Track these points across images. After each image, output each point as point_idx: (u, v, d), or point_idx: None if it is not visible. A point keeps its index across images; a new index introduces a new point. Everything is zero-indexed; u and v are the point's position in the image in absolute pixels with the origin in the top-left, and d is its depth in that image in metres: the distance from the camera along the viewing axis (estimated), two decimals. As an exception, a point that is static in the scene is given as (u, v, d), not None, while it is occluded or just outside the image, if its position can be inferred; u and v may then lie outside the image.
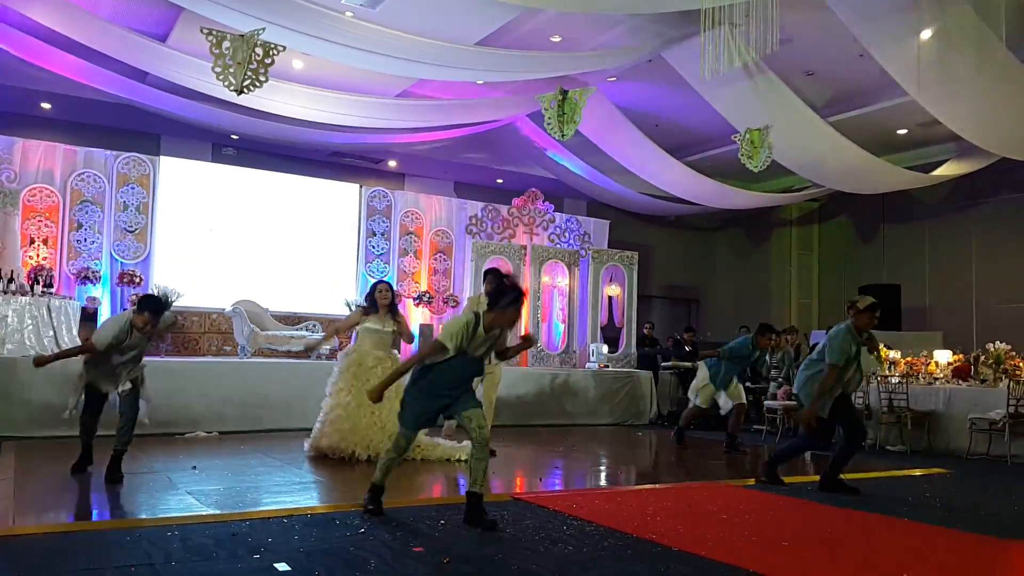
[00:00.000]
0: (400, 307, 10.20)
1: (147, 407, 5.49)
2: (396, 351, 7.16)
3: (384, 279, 8.70)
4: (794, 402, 9.97)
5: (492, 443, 7.40)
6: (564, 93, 9.54)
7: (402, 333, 6.86)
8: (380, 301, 6.73)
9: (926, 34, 7.82)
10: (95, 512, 4.81)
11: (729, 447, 8.17)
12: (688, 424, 8.81)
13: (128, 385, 5.27)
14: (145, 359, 5.50)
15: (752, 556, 3.75)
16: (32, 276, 9.26)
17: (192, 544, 3.69)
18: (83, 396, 5.36)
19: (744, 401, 8.45)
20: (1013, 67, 8.15)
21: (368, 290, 7.03)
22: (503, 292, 4.26)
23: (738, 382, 8.39)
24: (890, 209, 13.96)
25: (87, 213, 10.33)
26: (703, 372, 8.38)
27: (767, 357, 8.68)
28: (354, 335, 7.07)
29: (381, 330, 6.72)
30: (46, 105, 10.78)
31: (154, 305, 5.18)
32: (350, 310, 9.95)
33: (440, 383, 4.29)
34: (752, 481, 6.19)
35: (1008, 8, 7.67)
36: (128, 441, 5.29)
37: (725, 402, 8.30)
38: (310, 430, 6.91)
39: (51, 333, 8.52)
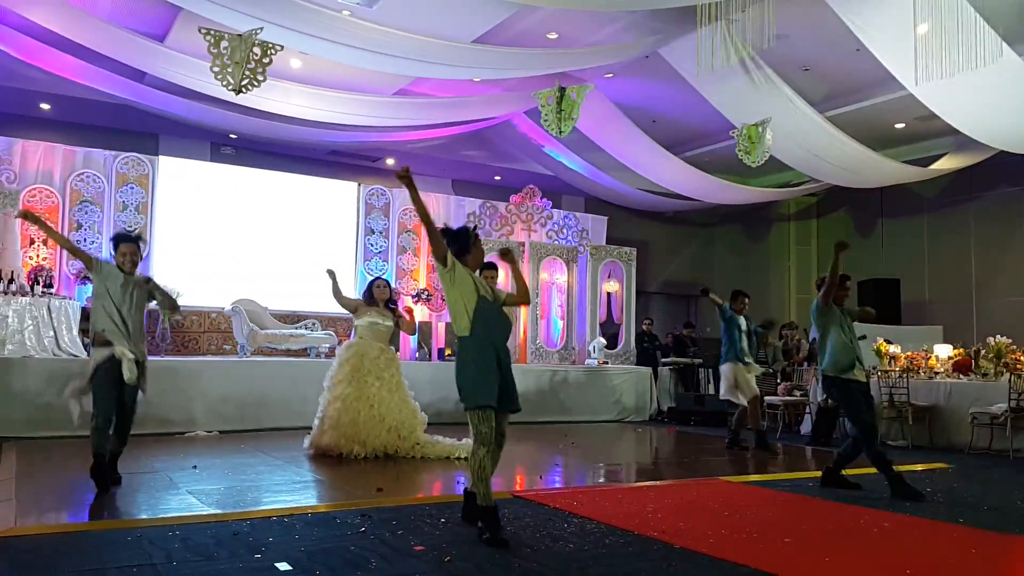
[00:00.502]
0: (399, 304, 10.27)
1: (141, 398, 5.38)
2: (395, 347, 7.21)
3: (381, 276, 8.75)
4: (795, 398, 10.03)
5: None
6: (562, 90, 9.54)
7: (403, 326, 7.03)
8: (379, 296, 6.95)
9: (923, 28, 7.81)
10: (96, 512, 4.81)
11: (731, 443, 8.16)
12: (742, 426, 8.32)
13: (133, 372, 4.96)
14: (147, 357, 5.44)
15: (754, 553, 3.76)
16: (32, 277, 9.27)
17: (193, 544, 3.69)
18: (90, 388, 4.98)
19: (758, 393, 8.32)
20: (1010, 61, 8.15)
21: (366, 286, 7.14)
22: (458, 237, 4.19)
23: (752, 375, 8.26)
24: (888, 203, 13.96)
25: (87, 213, 10.33)
26: (725, 369, 8.24)
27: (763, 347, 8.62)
28: (352, 331, 7.12)
29: (381, 324, 6.92)
30: (45, 106, 10.78)
31: (119, 234, 5.34)
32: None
33: (484, 341, 4.04)
34: (754, 477, 6.19)
35: (1004, 2, 7.67)
36: (126, 442, 5.21)
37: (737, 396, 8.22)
38: (310, 428, 6.93)
39: (51, 333, 8.53)
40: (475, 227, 4.34)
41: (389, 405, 6.70)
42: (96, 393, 4.94)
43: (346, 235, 12.33)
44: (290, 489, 5.42)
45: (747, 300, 8.43)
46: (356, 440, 6.58)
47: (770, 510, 4.89)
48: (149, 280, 5.30)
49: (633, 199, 14.22)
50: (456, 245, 4.17)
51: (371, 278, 7.52)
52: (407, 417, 6.78)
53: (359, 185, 12.54)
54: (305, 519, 4.28)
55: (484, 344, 4.05)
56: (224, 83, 7.58)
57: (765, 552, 3.79)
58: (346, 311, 7.25)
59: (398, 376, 6.90)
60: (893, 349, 9.51)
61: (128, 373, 4.91)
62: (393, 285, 11.65)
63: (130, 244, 5.19)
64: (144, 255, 5.45)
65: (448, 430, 7.36)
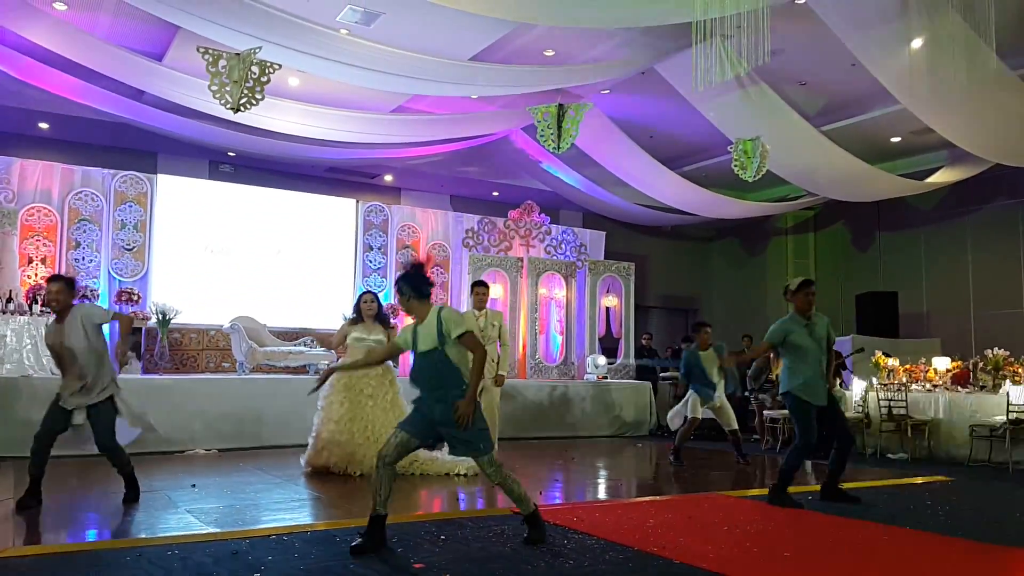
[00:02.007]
0: (397, 321, 10.24)
1: (137, 434, 5.35)
2: (391, 361, 7.12)
3: (369, 290, 8.65)
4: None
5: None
6: (561, 108, 9.58)
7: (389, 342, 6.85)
8: (366, 311, 6.78)
9: (917, 43, 7.88)
10: (95, 532, 4.79)
11: (739, 457, 8.09)
12: (685, 441, 8.49)
13: (85, 413, 5.05)
14: (139, 376, 5.45)
15: (754, 568, 3.75)
16: (31, 296, 9.26)
17: (192, 563, 3.68)
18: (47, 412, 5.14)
19: (736, 427, 8.21)
20: (1004, 74, 8.21)
21: (355, 301, 7.05)
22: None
23: (728, 406, 8.24)
24: (885, 216, 14.01)
25: (85, 232, 10.34)
26: (694, 396, 8.23)
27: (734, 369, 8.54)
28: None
29: (367, 339, 6.69)
30: (44, 125, 10.82)
31: (53, 276, 5.21)
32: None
33: (417, 385, 4.33)
34: (753, 492, 6.18)
35: (998, 16, 7.73)
36: (126, 462, 5.21)
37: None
38: (307, 446, 6.90)
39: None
40: (402, 276, 4.39)
41: (383, 425, 6.60)
42: (45, 415, 5.13)
43: (344, 252, 12.34)
44: (289, 507, 5.41)
45: (708, 329, 8.18)
46: (352, 460, 6.54)
47: (770, 524, 4.88)
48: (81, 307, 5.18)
49: (631, 214, 14.25)
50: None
51: (359, 293, 7.40)
52: None
53: (357, 202, 12.58)
54: (304, 537, 4.27)
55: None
56: (222, 101, 7.61)
57: (765, 567, 3.78)
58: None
59: (393, 393, 6.80)
60: (891, 362, 9.51)
61: (78, 420, 5.05)
62: (387, 301, 11.67)
63: (55, 283, 5.10)
64: (76, 291, 5.20)
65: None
